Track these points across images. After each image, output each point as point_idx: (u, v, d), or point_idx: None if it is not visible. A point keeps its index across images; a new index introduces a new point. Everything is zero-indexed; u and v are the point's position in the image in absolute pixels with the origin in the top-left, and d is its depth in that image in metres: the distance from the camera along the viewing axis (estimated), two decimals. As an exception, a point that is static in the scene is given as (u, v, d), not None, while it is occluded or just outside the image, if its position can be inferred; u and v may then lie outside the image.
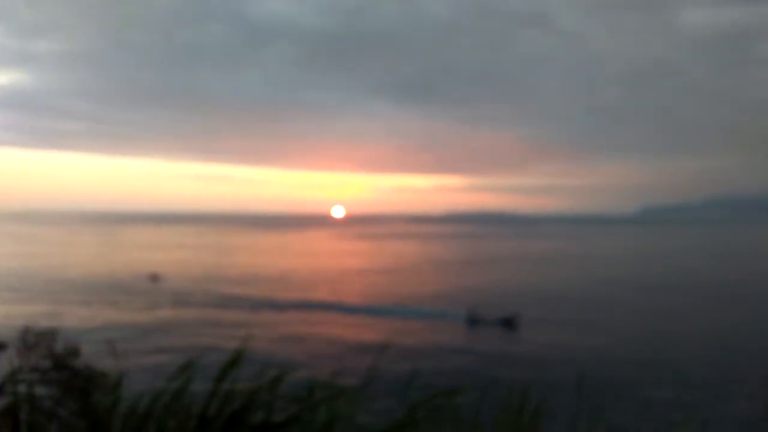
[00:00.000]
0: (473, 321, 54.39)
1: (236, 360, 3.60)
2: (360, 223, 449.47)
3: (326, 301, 66.93)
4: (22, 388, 4.40)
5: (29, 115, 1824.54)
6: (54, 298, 67.87)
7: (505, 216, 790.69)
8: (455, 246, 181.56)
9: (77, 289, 75.25)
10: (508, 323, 52.74)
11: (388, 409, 3.78)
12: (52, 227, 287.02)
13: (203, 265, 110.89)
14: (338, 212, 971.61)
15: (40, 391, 4.46)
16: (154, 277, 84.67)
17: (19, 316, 56.76)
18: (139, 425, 3.50)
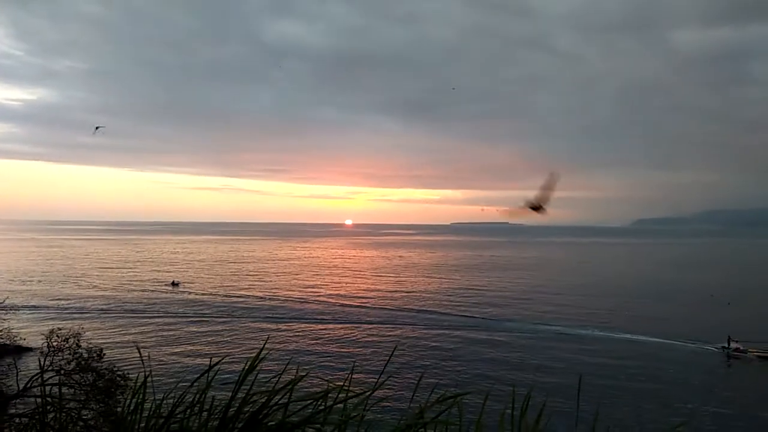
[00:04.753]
0: (734, 354, 47.60)
1: (255, 363, 3.77)
2: (376, 233, 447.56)
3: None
4: (48, 390, 4.59)
5: (54, 130, 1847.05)
6: (81, 305, 69.59)
7: (513, 227, 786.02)
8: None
9: (105, 295, 78.24)
10: None
11: (399, 411, 3.95)
12: (78, 238, 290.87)
13: (221, 273, 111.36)
14: (349, 222, 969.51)
15: (65, 392, 4.63)
16: (175, 284, 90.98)
17: (47, 317, 57.98)
18: (162, 427, 3.63)
